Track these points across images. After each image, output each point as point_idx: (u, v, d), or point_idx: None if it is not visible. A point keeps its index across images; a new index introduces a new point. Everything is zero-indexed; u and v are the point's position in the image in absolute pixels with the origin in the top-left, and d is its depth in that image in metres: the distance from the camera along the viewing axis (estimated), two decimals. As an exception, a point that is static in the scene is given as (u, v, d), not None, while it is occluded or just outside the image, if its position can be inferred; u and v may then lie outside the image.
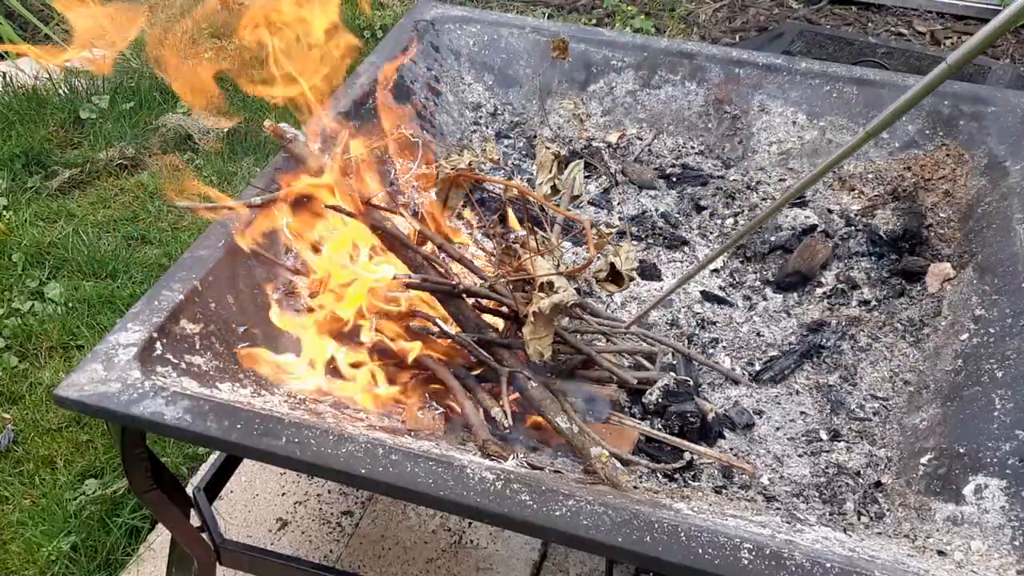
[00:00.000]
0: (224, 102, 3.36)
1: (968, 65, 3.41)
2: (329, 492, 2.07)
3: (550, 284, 1.47)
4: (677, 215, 2.24)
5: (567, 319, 1.70)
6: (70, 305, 2.64)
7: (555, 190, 1.89)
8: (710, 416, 1.64)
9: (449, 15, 2.48)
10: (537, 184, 1.87)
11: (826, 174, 1.39)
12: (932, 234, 2.02)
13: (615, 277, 1.60)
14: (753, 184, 2.27)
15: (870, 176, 2.20)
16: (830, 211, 2.18)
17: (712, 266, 2.10)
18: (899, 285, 1.96)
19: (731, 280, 2.07)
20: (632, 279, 1.59)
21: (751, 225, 1.48)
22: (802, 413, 1.74)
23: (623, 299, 1.99)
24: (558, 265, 1.58)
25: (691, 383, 1.69)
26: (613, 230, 2.11)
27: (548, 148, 1.86)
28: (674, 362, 1.78)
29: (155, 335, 1.42)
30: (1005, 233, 1.79)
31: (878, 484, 1.55)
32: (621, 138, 2.42)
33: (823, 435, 1.68)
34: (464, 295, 1.61)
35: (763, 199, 2.23)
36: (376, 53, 2.31)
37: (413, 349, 1.61)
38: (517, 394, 1.58)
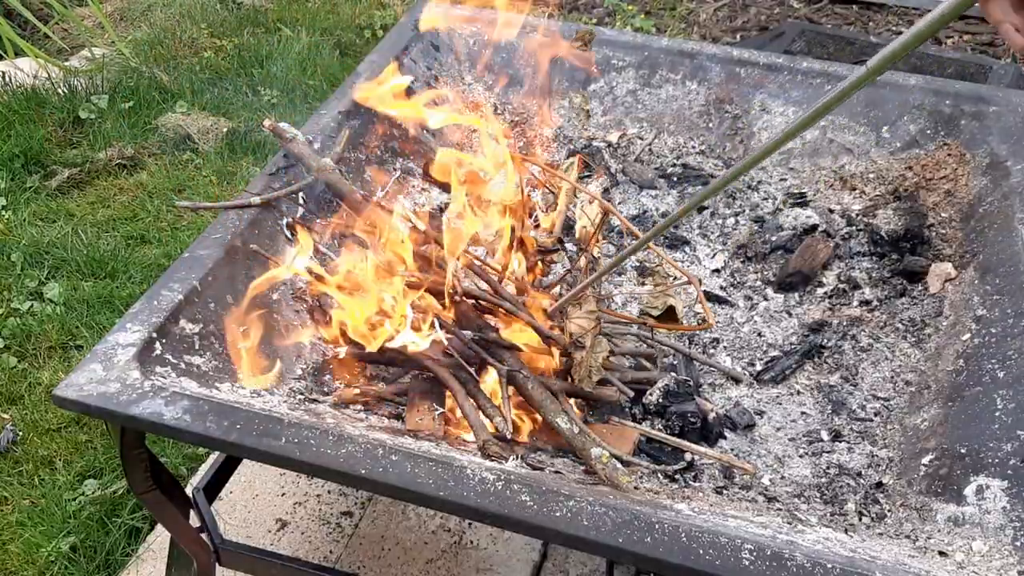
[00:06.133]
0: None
1: (971, 66, 3.41)
2: (329, 493, 2.07)
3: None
4: (678, 215, 2.23)
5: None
6: (69, 305, 2.63)
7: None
8: (711, 416, 1.63)
9: (449, 14, 2.47)
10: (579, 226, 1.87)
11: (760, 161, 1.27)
12: (933, 234, 2.01)
13: (671, 317, 1.62)
14: (754, 184, 2.27)
15: (871, 176, 2.20)
16: (831, 211, 2.17)
17: (713, 266, 2.10)
18: (900, 285, 1.96)
19: (732, 280, 2.06)
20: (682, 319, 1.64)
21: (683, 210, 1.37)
22: (803, 413, 1.73)
23: (624, 299, 1.99)
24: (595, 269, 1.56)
25: (692, 383, 1.68)
26: (679, 279, 2.04)
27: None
28: (675, 362, 1.78)
29: (154, 335, 1.42)
30: (1007, 233, 1.79)
31: (879, 485, 1.54)
32: (622, 137, 2.41)
33: (824, 435, 1.67)
34: (464, 297, 1.60)
35: (764, 199, 2.23)
36: (376, 52, 2.30)
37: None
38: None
